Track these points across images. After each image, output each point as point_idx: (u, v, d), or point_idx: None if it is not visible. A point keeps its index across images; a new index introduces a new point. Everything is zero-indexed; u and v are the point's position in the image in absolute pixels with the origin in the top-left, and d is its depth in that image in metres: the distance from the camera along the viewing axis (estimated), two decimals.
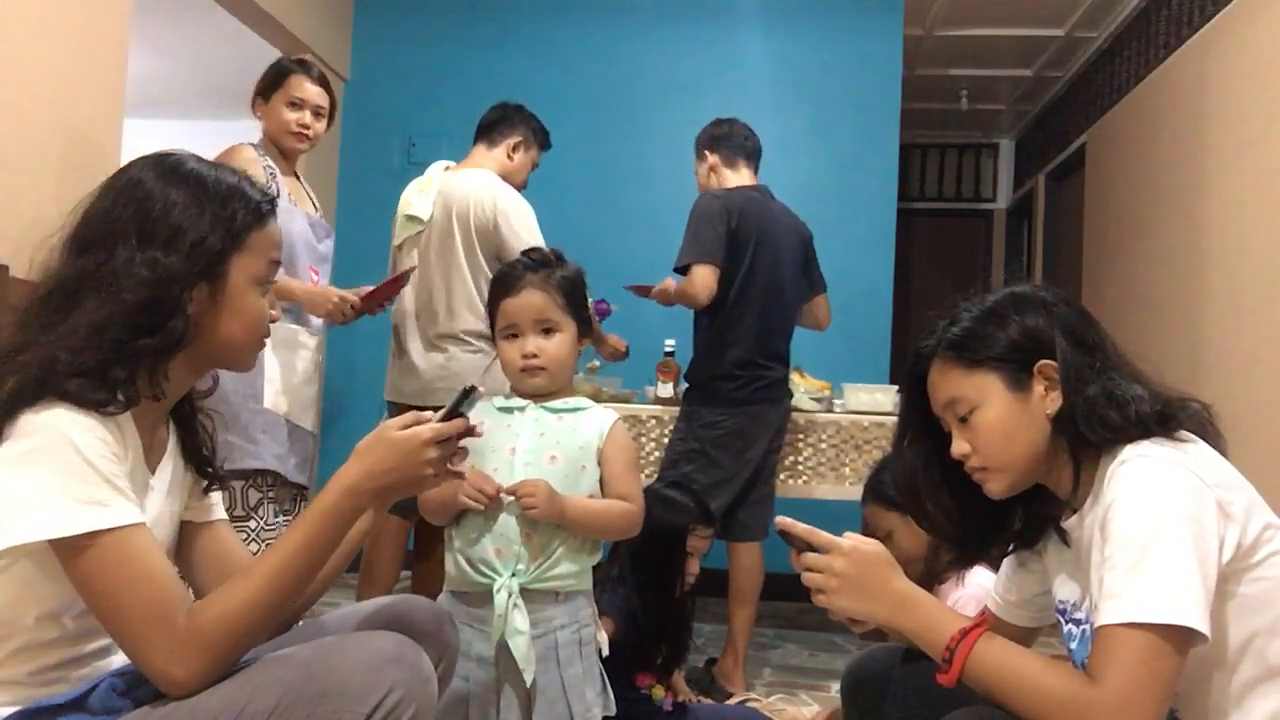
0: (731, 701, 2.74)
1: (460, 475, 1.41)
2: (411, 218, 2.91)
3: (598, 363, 3.41)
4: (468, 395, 1.29)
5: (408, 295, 2.91)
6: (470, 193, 2.84)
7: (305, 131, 2.71)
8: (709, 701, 2.67)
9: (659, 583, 2.28)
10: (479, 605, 1.65)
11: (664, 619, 2.28)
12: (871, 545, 1.27)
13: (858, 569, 1.25)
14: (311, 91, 2.72)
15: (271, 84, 2.71)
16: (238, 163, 2.44)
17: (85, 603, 1.09)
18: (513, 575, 1.62)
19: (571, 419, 1.74)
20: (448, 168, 3.00)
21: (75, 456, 1.06)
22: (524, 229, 2.81)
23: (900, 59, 4.42)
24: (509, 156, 3.01)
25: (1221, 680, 1.16)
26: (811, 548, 1.30)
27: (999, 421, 1.26)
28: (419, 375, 2.86)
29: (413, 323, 2.91)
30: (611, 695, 1.75)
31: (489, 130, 3.04)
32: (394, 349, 2.99)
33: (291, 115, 2.69)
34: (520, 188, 3.00)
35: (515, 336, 1.73)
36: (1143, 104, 4.52)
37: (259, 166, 2.60)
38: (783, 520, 1.32)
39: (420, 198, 2.92)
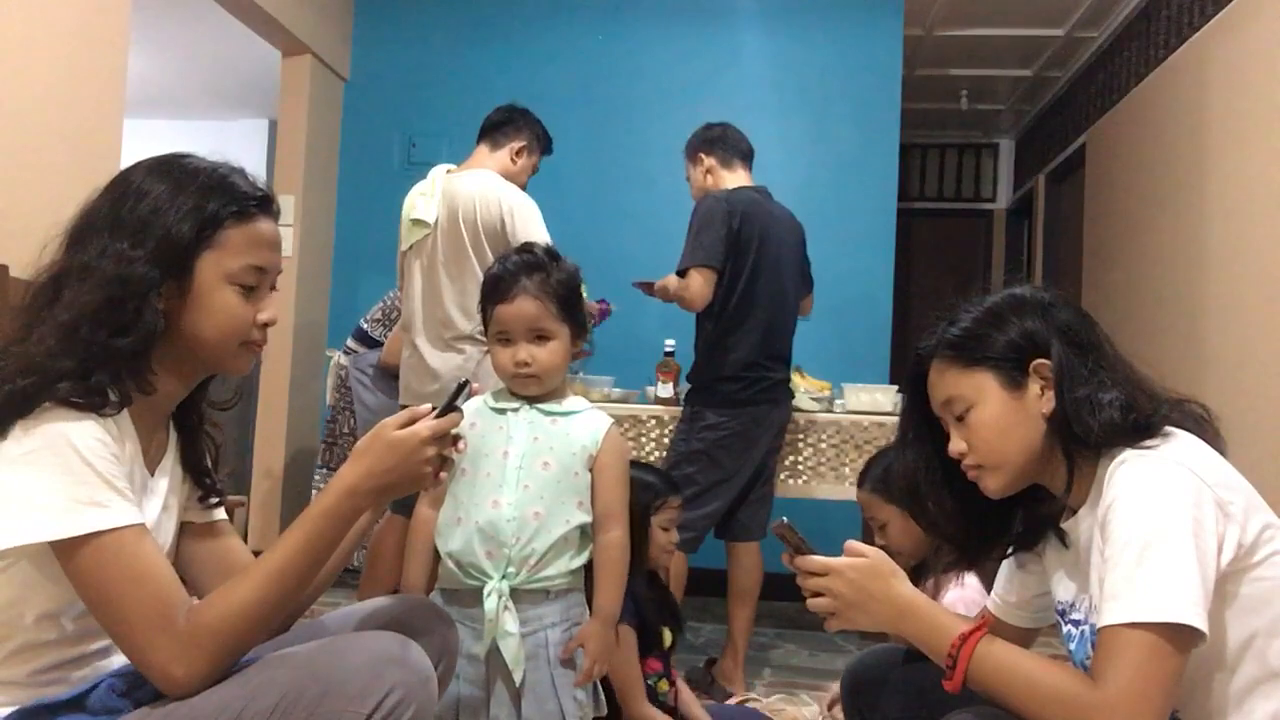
0: (731, 701, 2.74)
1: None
2: (417, 222, 2.88)
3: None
4: (462, 389, 1.30)
5: (415, 298, 2.88)
6: (475, 193, 2.81)
7: None
8: (709, 701, 2.66)
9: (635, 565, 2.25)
10: (469, 604, 1.65)
11: (649, 599, 2.25)
12: (866, 560, 1.27)
13: (857, 587, 1.26)
14: None
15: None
16: None
17: (85, 603, 1.09)
18: (503, 578, 1.63)
19: (565, 422, 1.73)
20: (449, 170, 2.98)
21: (75, 457, 1.06)
22: (532, 226, 2.78)
23: (900, 59, 4.42)
24: (512, 160, 2.98)
25: (1222, 681, 1.16)
26: (803, 550, 1.31)
27: (994, 420, 1.26)
28: (437, 376, 2.81)
29: (422, 325, 2.87)
30: (603, 696, 1.75)
31: (493, 131, 3.00)
32: (402, 353, 2.95)
33: None
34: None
35: (508, 342, 1.73)
36: (1143, 104, 4.52)
37: None
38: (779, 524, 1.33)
39: (424, 201, 2.89)
